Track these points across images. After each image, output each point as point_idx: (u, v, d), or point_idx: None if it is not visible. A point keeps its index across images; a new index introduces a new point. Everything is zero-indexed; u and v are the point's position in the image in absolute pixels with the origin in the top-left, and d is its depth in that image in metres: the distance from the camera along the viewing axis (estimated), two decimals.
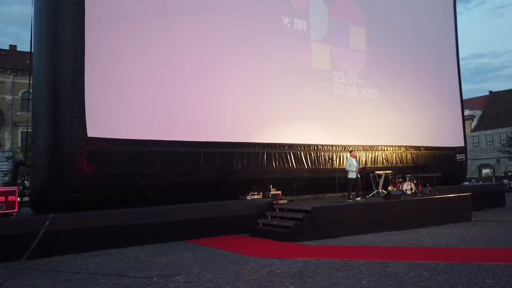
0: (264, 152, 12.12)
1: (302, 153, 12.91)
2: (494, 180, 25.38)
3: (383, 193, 11.89)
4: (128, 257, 7.64)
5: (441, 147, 16.65)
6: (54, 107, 9.71)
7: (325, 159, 13.32)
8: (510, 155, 39.53)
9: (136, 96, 10.18)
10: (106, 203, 9.31)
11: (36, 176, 10.08)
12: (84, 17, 9.58)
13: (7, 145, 33.05)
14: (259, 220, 10.33)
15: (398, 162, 15.03)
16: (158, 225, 9.24)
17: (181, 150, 10.68)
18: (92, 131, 9.49)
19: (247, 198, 11.17)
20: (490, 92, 53.98)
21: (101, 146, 9.61)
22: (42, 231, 7.88)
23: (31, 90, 10.99)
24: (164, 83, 10.62)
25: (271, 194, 11.40)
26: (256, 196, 11.32)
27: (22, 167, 14.18)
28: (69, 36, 9.57)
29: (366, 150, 14.41)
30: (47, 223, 8.03)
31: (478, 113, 50.89)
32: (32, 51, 10.52)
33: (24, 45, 66.86)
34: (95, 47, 9.65)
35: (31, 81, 10.82)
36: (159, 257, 7.51)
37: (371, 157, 14.50)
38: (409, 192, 12.61)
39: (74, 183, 9.24)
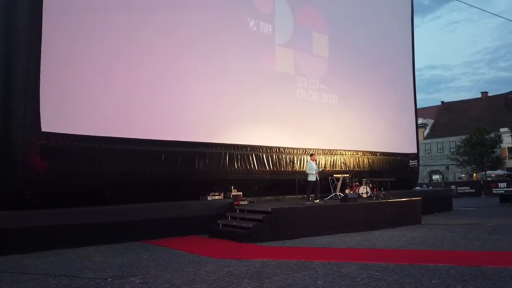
0: (226, 153, 12.12)
1: (263, 155, 13.04)
2: (443, 186, 26.87)
3: (340, 196, 12.25)
4: (82, 257, 7.38)
5: (396, 153, 17.42)
6: (7, 100, 9.21)
7: (286, 161, 13.53)
8: (458, 163, 42.00)
9: (95, 92, 9.84)
10: (60, 201, 8.92)
11: None
12: (42, 6, 9.14)
13: None
14: (219, 221, 10.32)
15: (355, 166, 15.56)
16: (114, 224, 9.00)
17: (141, 148, 10.46)
18: (47, 126, 9.07)
19: (208, 199, 11.12)
20: (442, 102, 57.15)
21: (56, 142, 9.20)
22: None
23: None
24: (125, 80, 10.35)
25: (232, 195, 11.43)
26: (217, 197, 11.30)
27: None
28: (25, 25, 9.10)
29: (326, 153, 14.79)
30: None
31: (430, 121, 53.71)
32: None
33: None
34: (52, 40, 9.24)
35: None
36: (115, 257, 7.31)
37: (330, 161, 14.90)
38: (365, 195, 13.07)
39: (25, 180, 8.78)
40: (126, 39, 10.42)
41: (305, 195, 11.53)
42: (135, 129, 10.40)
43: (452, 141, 48.59)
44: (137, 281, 5.52)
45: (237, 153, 12.38)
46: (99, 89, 9.91)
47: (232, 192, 11.53)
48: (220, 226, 10.19)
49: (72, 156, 9.38)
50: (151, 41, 10.84)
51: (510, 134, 40.45)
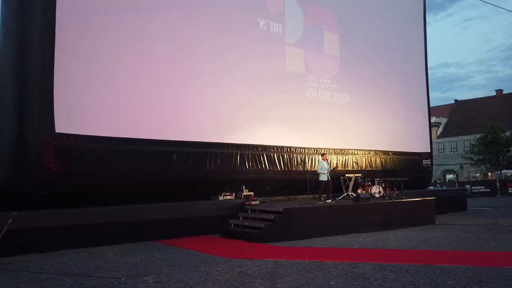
0: (237, 153, 12.14)
1: (275, 155, 13.02)
2: (457, 185, 26.47)
3: (352, 196, 12.15)
4: (96, 257, 7.46)
5: (409, 153, 17.22)
6: (21, 101, 9.36)
7: (297, 161, 13.49)
8: (473, 162, 41.33)
9: (108, 93, 9.95)
10: (73, 201, 9.05)
11: (0, 172, 9.65)
12: (54, 9, 9.27)
13: None
14: (230, 221, 10.33)
15: (368, 166, 15.43)
16: (127, 224, 9.08)
17: (153, 148, 10.53)
18: (61, 127, 9.20)
19: (219, 199, 11.15)
20: (456, 100, 56.30)
21: (70, 143, 9.32)
22: (5, 229, 7.59)
23: None
24: (137, 81, 10.43)
25: (244, 195, 11.43)
26: (228, 197, 11.32)
27: None
28: (39, 29, 9.24)
29: (337, 153, 14.69)
30: (10, 221, 7.73)
31: (444, 120, 52.98)
32: None
33: None
34: (66, 41, 9.37)
35: None
36: (128, 257, 7.37)
37: (342, 161, 14.81)
38: (377, 195, 12.95)
39: (40, 180, 8.93)
40: (136, 40, 10.50)
41: (317, 195, 11.48)
42: (147, 130, 10.48)
43: (466, 140, 47.84)
44: (151, 281, 5.55)
45: (248, 153, 12.38)
46: (111, 90, 10.01)
47: (243, 192, 11.54)
48: (232, 226, 10.21)
49: (85, 157, 9.50)
50: (161, 42, 10.90)
51: None
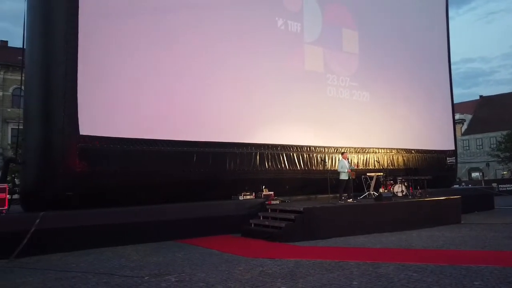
0: (256, 152, 12.14)
1: (294, 154, 12.96)
2: (483, 184, 25.70)
3: (374, 195, 11.97)
4: (119, 256, 7.60)
5: (432, 150, 16.82)
6: (46, 104, 9.63)
7: (317, 160, 13.38)
8: (499, 159, 40.05)
9: (129, 95, 10.13)
10: (98, 201, 9.24)
11: (27, 174, 9.98)
12: (77, 14, 9.51)
13: None
14: (251, 221, 10.34)
15: (390, 164, 15.15)
16: (149, 224, 9.21)
17: (174, 149, 10.65)
18: (85, 129, 9.42)
19: (240, 199, 11.18)
20: (481, 96, 54.68)
21: (93, 145, 9.54)
22: (33, 229, 7.82)
23: (22, 87, 10.88)
24: (158, 83, 10.58)
25: (264, 195, 11.43)
26: (248, 197, 11.34)
27: (12, 164, 14.00)
28: (62, 33, 9.50)
29: (358, 152, 14.51)
30: (37, 221, 7.97)
31: (468, 117, 51.53)
32: (24, 47, 10.41)
33: (15, 41, 66.15)
34: (88, 44, 9.59)
35: (23, 78, 10.71)
36: (151, 256, 7.48)
37: (363, 159, 14.60)
38: (400, 194, 12.72)
39: (65, 181, 9.17)
40: (156, 42, 10.64)
41: (337, 195, 11.36)
42: (168, 131, 10.61)
43: (492, 137, 46.38)
44: (173, 279, 5.61)
45: (268, 153, 12.37)
46: (132, 91, 10.18)
47: (263, 191, 11.54)
48: (252, 225, 10.21)
49: (108, 158, 9.69)
50: (181, 43, 11.01)
51: None
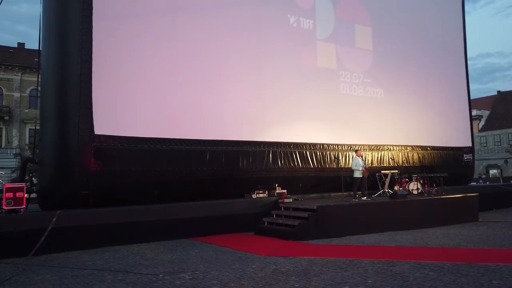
0: (269, 151, 12.12)
1: (307, 152, 12.89)
2: (501, 181, 25.15)
3: (389, 193, 11.83)
4: (134, 254, 7.69)
5: (448, 147, 16.55)
6: (61, 105, 9.79)
7: (330, 158, 13.29)
8: None
9: (142, 94, 10.23)
10: (112, 200, 9.37)
11: (44, 173, 10.17)
12: (91, 15, 9.65)
13: (15, 142, 33.37)
14: (264, 219, 10.33)
15: (404, 161, 14.95)
16: (163, 222, 9.28)
17: (187, 148, 10.72)
18: (99, 129, 9.56)
19: (253, 197, 11.18)
20: (499, 92, 53.46)
21: (108, 144, 9.67)
22: (50, 228, 7.95)
23: (39, 88, 11.09)
24: (171, 82, 10.66)
25: (277, 193, 11.40)
26: (261, 195, 11.33)
27: (30, 164, 14.32)
28: (77, 34, 9.64)
29: (372, 149, 14.35)
30: (54, 219, 8.10)
31: (485, 113, 50.44)
32: (40, 49, 10.60)
33: (32, 43, 67.47)
34: (102, 45, 9.73)
35: (39, 79, 10.92)
36: (165, 254, 7.54)
37: (377, 157, 14.45)
38: (415, 192, 12.54)
39: (81, 180, 9.32)
40: (171, 41, 10.72)
41: (351, 192, 11.25)
42: (181, 130, 10.68)
43: (510, 133, 45.35)
44: (187, 277, 5.64)
45: (281, 151, 12.34)
46: (146, 91, 10.28)
47: (276, 190, 11.51)
48: (266, 224, 10.21)
49: (122, 157, 9.81)
50: (193, 43, 11.06)
51: None
